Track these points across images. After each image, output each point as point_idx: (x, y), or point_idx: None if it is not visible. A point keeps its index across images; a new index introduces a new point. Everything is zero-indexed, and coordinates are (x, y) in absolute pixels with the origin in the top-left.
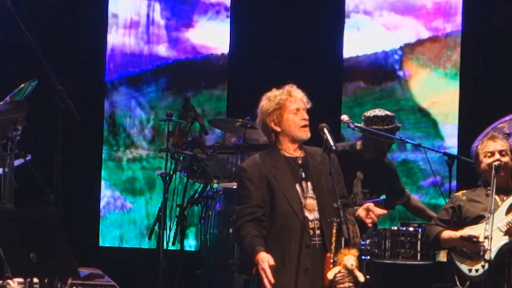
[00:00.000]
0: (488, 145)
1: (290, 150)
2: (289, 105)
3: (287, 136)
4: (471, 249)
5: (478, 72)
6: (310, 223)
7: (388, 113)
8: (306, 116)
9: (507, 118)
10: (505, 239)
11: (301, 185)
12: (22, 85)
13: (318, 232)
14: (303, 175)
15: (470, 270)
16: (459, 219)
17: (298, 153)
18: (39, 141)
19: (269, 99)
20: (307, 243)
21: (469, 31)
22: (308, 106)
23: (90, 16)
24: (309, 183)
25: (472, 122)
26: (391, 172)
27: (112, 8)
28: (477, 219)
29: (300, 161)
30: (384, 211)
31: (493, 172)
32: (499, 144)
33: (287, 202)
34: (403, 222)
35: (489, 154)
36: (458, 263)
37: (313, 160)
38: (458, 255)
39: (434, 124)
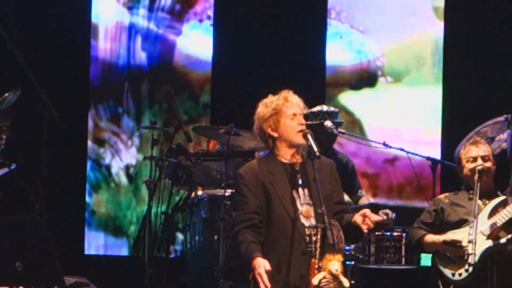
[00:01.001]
0: (471, 150)
1: (288, 155)
2: (285, 110)
3: (284, 141)
4: (454, 253)
5: (461, 77)
6: (306, 230)
7: (324, 108)
8: (303, 121)
9: (490, 122)
10: (488, 243)
11: (297, 192)
12: (6, 94)
13: (314, 238)
14: (300, 181)
15: (453, 274)
16: (442, 222)
17: (296, 159)
18: (24, 150)
19: (266, 105)
20: (303, 250)
21: (451, 36)
22: (305, 111)
23: (73, 24)
24: (305, 190)
25: (455, 128)
26: (344, 168)
27: (95, 16)
28: (459, 223)
29: (297, 167)
30: (380, 218)
31: (476, 176)
32: (482, 150)
33: (283, 209)
34: (387, 227)
35: (471, 159)
36: (441, 267)
37: (310, 167)
38: (441, 259)
39: None
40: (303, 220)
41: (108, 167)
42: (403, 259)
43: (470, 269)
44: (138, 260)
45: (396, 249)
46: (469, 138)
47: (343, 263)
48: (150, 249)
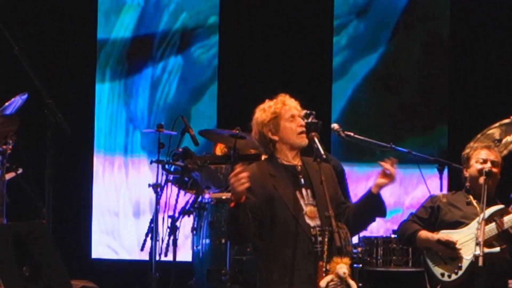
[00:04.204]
0: (483, 152)
1: (289, 158)
2: (284, 113)
3: (284, 144)
4: (446, 254)
5: (468, 79)
6: (311, 230)
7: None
8: (302, 123)
9: (497, 124)
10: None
11: (301, 192)
12: (13, 98)
13: (320, 239)
14: (303, 181)
15: (442, 275)
16: (436, 220)
17: (296, 161)
18: (30, 154)
19: (264, 110)
20: (309, 250)
21: (457, 34)
22: (302, 114)
23: (78, 30)
24: (308, 191)
25: (462, 128)
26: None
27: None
28: (454, 225)
29: (299, 169)
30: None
31: (483, 178)
32: (493, 155)
33: (287, 209)
34: (395, 230)
35: (481, 161)
36: (431, 265)
37: (311, 168)
38: (432, 258)
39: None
40: (308, 221)
41: (114, 170)
42: (411, 261)
43: (460, 272)
44: (145, 264)
45: (403, 252)
46: (477, 140)
47: (351, 266)
48: (156, 253)
